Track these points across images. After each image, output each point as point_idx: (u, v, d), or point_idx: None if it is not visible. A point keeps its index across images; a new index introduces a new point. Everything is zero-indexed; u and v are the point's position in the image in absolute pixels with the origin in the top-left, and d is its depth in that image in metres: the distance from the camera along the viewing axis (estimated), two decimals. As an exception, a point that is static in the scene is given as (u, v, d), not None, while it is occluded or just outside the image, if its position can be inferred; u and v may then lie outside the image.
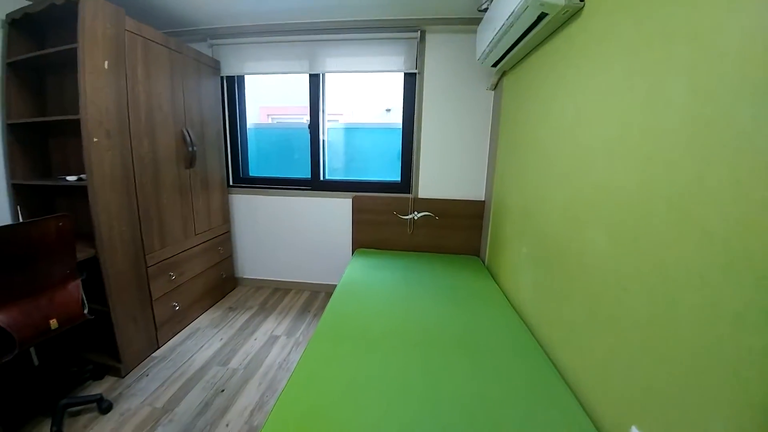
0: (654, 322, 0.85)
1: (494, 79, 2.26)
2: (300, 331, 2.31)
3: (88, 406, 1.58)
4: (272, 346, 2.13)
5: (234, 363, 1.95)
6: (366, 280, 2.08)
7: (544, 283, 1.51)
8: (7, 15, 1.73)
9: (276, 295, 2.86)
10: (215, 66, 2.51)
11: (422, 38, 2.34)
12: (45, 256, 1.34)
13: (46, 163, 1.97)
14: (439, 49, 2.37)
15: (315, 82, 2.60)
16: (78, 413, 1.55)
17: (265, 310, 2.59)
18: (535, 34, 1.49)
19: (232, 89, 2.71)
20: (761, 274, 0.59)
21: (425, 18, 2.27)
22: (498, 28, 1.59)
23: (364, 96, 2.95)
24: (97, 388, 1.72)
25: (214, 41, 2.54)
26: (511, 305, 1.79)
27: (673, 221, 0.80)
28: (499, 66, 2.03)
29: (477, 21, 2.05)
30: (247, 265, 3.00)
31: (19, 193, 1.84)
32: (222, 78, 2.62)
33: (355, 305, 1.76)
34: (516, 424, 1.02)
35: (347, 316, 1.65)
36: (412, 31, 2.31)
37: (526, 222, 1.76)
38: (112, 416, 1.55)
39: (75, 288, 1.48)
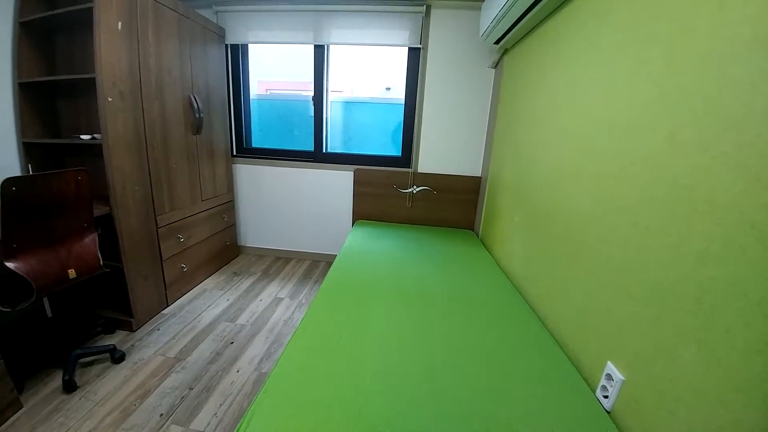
0: (628, 267, 0.97)
1: (496, 57, 2.32)
2: (303, 294, 2.43)
3: (101, 356, 1.67)
4: (277, 306, 2.25)
5: (241, 320, 2.07)
6: (366, 248, 2.19)
7: (533, 246, 1.64)
8: None
9: (278, 263, 2.96)
10: (220, 33, 2.51)
11: (427, 13, 2.37)
12: (64, 207, 1.41)
13: (55, 123, 1.99)
14: (443, 24, 2.41)
15: (320, 53, 2.62)
16: (91, 363, 1.64)
17: (268, 275, 2.70)
18: (538, 10, 1.55)
19: (236, 58, 2.72)
20: (720, 213, 0.70)
21: (431, -8, 2.30)
22: (502, 5, 1.65)
23: (364, 74, 2.97)
24: (108, 341, 1.81)
25: (219, 8, 2.53)
26: (502, 271, 1.93)
27: (648, 177, 0.92)
28: (501, 43, 2.08)
29: (482, -3, 2.09)
30: (249, 234, 3.09)
31: (29, 152, 1.87)
32: (227, 46, 2.62)
33: (356, 268, 1.87)
34: (499, 364, 1.14)
35: (350, 276, 1.76)
36: (418, 5, 2.34)
37: (519, 193, 1.88)
38: (125, 365, 1.65)
39: (92, 241, 1.56)
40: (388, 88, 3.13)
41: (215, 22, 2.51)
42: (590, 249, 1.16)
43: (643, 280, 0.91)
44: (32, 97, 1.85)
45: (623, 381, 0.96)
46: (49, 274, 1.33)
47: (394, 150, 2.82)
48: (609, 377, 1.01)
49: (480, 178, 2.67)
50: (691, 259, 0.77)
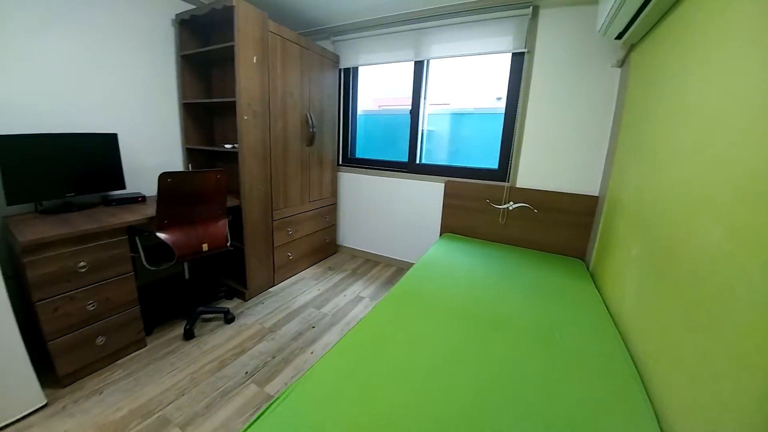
0: (753, 325, 0.70)
1: (620, 55, 1.95)
2: (382, 297, 2.53)
3: (217, 316, 2.13)
4: (357, 303, 2.42)
5: (325, 309, 2.32)
6: (447, 262, 2.13)
7: (650, 288, 1.29)
8: (177, 15, 2.26)
9: (367, 264, 3.18)
10: (335, 60, 2.92)
11: (534, 14, 2.19)
12: (205, 197, 1.86)
13: (210, 134, 2.66)
14: (553, 24, 2.17)
15: (419, 69, 2.73)
16: (208, 320, 2.11)
17: (356, 275, 2.93)
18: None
19: (348, 80, 3.10)
20: None
21: (540, -7, 2.11)
22: (619, -8, 1.40)
23: (473, 84, 2.92)
24: (226, 305, 2.29)
25: (336, 38, 2.94)
26: (610, 314, 1.58)
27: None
28: (624, 37, 1.74)
29: (600, -11, 1.80)
30: (346, 235, 3.42)
31: (190, 155, 2.54)
32: (340, 70, 3.02)
33: (430, 280, 1.85)
34: (573, 426, 0.94)
35: (420, 287, 1.76)
36: (524, 8, 2.18)
37: (640, 219, 1.51)
38: (232, 326, 2.07)
39: (223, 225, 2.01)
40: (498, 98, 3.00)
41: (332, 50, 2.92)
42: (712, 298, 0.87)
43: (764, 342, 0.64)
44: (193, 114, 2.50)
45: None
46: (188, 246, 1.81)
47: (491, 162, 2.66)
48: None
49: (597, 197, 2.25)
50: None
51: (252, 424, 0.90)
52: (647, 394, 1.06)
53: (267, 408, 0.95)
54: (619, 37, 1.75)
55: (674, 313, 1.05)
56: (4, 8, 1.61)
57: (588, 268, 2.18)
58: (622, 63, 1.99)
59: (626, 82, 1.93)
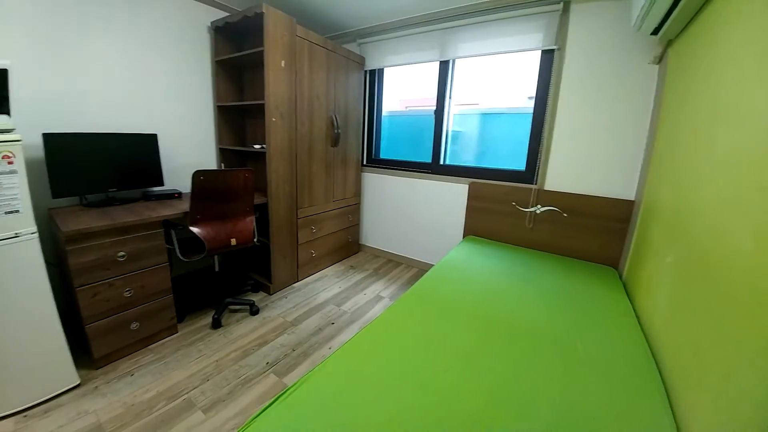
0: None
1: (657, 51, 1.83)
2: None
3: (243, 307, 2.24)
4: (376, 303, 2.44)
5: (345, 307, 2.36)
6: (468, 265, 2.10)
7: (681, 300, 1.21)
8: (212, 23, 2.41)
9: (388, 264, 3.20)
10: (361, 62, 2.97)
11: (565, 10, 2.11)
12: (234, 194, 1.97)
13: (242, 135, 2.80)
14: (586, 20, 2.08)
15: (444, 68, 2.71)
16: (235, 311, 2.23)
17: (377, 274, 2.96)
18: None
19: (373, 81, 3.14)
20: None
21: (571, -12, 2.03)
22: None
23: (503, 84, 2.85)
24: (252, 297, 2.39)
25: (362, 40, 2.99)
26: (640, 326, 1.49)
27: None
28: (661, 32, 1.64)
29: (636, -18, 1.70)
30: (369, 235, 3.46)
31: (223, 154, 2.69)
32: (365, 72, 3.07)
33: (448, 282, 1.83)
34: None
35: (440, 289, 1.75)
36: (554, 3, 2.11)
37: (676, 225, 1.41)
38: (257, 318, 2.16)
39: (250, 221, 2.11)
40: (530, 97, 2.92)
41: (358, 52, 2.98)
42: (742, 309, 0.81)
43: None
44: (226, 116, 2.65)
45: None
46: (218, 240, 1.92)
47: (518, 163, 2.58)
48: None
49: (633, 202, 2.13)
50: None
51: (264, 410, 0.94)
52: (672, 410, 0.99)
53: (279, 396, 0.99)
54: (656, 32, 1.65)
55: (704, 327, 0.98)
56: (58, 19, 1.79)
57: (621, 277, 2.06)
58: (660, 60, 1.87)
59: (664, 79, 1.81)
